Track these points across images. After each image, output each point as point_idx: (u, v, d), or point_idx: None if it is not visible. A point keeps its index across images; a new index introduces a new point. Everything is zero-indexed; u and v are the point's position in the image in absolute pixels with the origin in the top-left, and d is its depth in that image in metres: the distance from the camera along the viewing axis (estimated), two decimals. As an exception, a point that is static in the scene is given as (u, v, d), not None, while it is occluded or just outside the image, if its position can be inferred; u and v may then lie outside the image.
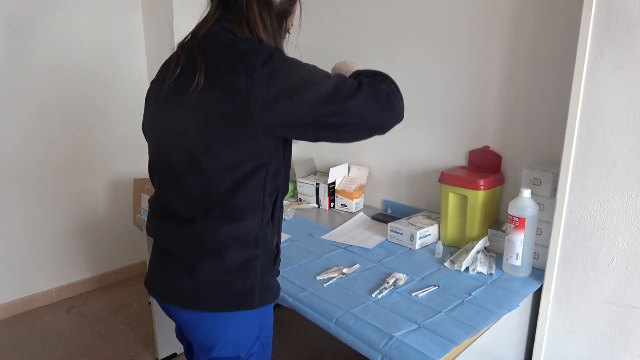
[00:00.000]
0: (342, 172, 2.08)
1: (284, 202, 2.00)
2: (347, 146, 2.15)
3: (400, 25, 1.84)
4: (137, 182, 2.32)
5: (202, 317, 1.01)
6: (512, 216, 1.30)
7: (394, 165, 1.98)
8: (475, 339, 1.08)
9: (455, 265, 1.39)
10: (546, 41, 1.44)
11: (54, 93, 2.54)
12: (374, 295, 1.24)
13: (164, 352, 2.15)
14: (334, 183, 2.04)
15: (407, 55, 1.83)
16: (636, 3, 1.03)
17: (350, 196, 1.98)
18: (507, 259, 1.35)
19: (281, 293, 1.22)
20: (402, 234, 1.59)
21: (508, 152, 1.59)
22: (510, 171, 1.58)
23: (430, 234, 1.60)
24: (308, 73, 0.92)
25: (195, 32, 1.01)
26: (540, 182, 1.33)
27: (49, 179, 2.62)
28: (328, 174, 2.03)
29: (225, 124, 0.90)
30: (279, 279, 1.10)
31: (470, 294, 1.24)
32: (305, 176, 2.19)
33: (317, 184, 2.06)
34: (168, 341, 2.13)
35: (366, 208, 2.03)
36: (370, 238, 1.66)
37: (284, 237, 1.67)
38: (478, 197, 1.48)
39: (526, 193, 1.28)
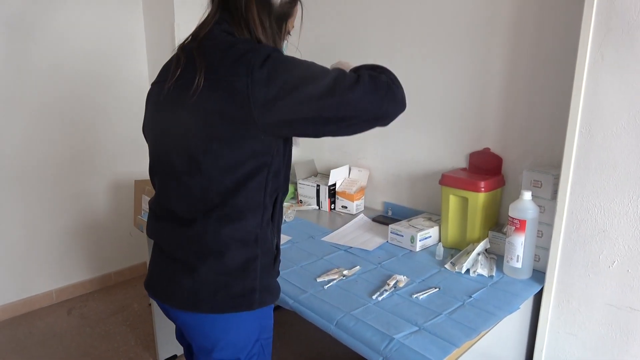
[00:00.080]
0: (343, 173, 2.08)
1: (285, 204, 2.00)
2: (348, 148, 2.15)
3: (400, 26, 1.84)
4: (138, 183, 2.32)
5: (202, 318, 1.01)
6: (513, 218, 1.30)
7: (394, 167, 1.98)
8: (476, 341, 1.08)
9: (456, 267, 1.39)
10: (546, 43, 1.44)
11: (54, 93, 2.54)
12: (374, 297, 1.24)
13: (164, 353, 2.15)
14: (334, 185, 2.04)
15: (407, 57, 1.83)
16: (637, 5, 1.03)
17: (350, 198, 1.98)
18: (507, 261, 1.35)
19: (282, 295, 1.23)
20: (402, 236, 1.59)
21: (509, 154, 1.59)
22: (511, 173, 1.58)
23: (430, 236, 1.60)
24: (307, 69, 0.93)
25: (195, 34, 1.01)
26: (541, 185, 1.33)
27: (49, 179, 2.62)
28: (329, 175, 2.03)
29: (225, 124, 0.90)
30: (279, 280, 1.10)
31: (470, 296, 1.24)
32: (306, 178, 2.19)
33: (318, 185, 2.06)
34: (168, 343, 2.13)
35: (367, 210, 2.03)
36: (370, 240, 1.66)
37: (285, 238, 1.67)
38: (479, 199, 1.48)
39: (527, 195, 1.28)
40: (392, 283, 1.30)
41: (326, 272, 1.39)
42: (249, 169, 0.95)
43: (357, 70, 1.01)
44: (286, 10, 1.04)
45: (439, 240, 1.62)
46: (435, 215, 1.74)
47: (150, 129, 1.08)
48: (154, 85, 1.07)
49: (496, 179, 1.54)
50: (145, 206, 2.08)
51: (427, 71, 1.78)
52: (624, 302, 1.16)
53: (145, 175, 2.17)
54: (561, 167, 1.20)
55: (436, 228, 1.62)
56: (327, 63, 1.13)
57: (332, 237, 1.70)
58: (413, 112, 1.83)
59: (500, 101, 1.58)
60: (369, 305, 1.20)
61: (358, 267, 1.43)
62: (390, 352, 1.00)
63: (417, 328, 1.09)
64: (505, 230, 1.43)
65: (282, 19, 1.04)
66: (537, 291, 1.30)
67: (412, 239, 1.56)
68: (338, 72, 0.93)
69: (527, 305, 1.29)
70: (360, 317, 1.14)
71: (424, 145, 1.85)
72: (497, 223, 1.60)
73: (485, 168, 1.62)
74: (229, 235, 0.97)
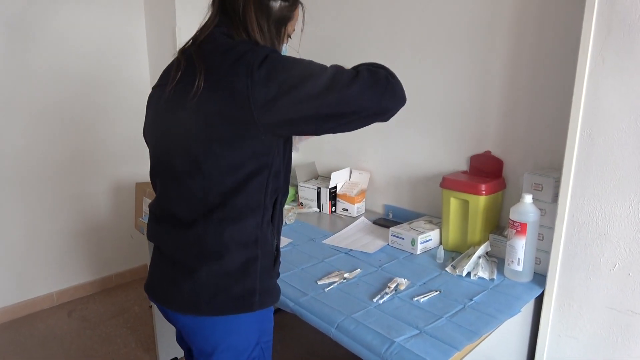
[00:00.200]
0: (344, 176, 2.08)
1: (286, 207, 2.00)
2: (349, 150, 2.16)
3: (401, 28, 1.84)
4: (139, 185, 2.32)
5: (202, 321, 1.01)
6: (514, 221, 1.30)
7: (395, 170, 1.98)
8: (477, 345, 1.08)
9: (457, 270, 1.39)
10: (547, 45, 1.44)
11: (55, 94, 2.54)
12: (375, 300, 1.24)
13: (164, 356, 2.14)
14: (335, 187, 2.04)
15: (407, 59, 1.83)
16: (638, 8, 1.03)
17: (351, 200, 1.98)
18: (508, 264, 1.34)
19: (282, 297, 1.23)
20: (403, 239, 1.59)
21: (509, 157, 1.59)
22: (512, 176, 1.58)
23: (431, 239, 1.60)
24: (305, 67, 0.93)
25: (195, 38, 1.02)
26: (542, 188, 1.33)
27: (50, 181, 2.62)
28: (329, 178, 2.03)
29: (225, 124, 0.91)
30: (279, 282, 1.10)
31: (471, 299, 1.24)
32: (307, 180, 2.19)
33: (319, 188, 2.06)
34: (169, 345, 2.12)
35: (367, 212, 2.03)
36: (371, 243, 1.66)
37: (285, 241, 1.66)
38: (479, 202, 1.48)
39: (528, 198, 1.28)
40: (392, 286, 1.30)
41: (327, 274, 1.39)
42: (249, 169, 0.95)
43: (356, 67, 1.01)
44: (285, 14, 1.04)
45: (440, 243, 1.62)
46: (436, 218, 1.74)
47: (151, 131, 1.08)
48: (154, 89, 1.07)
49: (497, 182, 1.54)
50: (146, 208, 2.08)
51: (428, 74, 1.78)
52: (625, 306, 1.16)
53: (146, 177, 2.17)
54: (562, 170, 1.20)
55: (437, 231, 1.62)
56: (327, 64, 1.13)
57: (333, 240, 1.70)
58: (414, 115, 1.83)
59: (501, 104, 1.59)
60: (370, 308, 1.20)
61: (359, 269, 1.43)
62: (391, 356, 1.00)
63: (418, 331, 1.09)
64: (506, 233, 1.42)
65: (281, 23, 1.04)
66: (538, 294, 1.29)
67: (413, 242, 1.56)
68: (336, 69, 0.93)
69: (528, 309, 1.28)
70: (361, 320, 1.13)
71: (424, 147, 1.85)
72: (498, 226, 1.60)
73: (486, 171, 1.62)
74: (229, 237, 0.97)
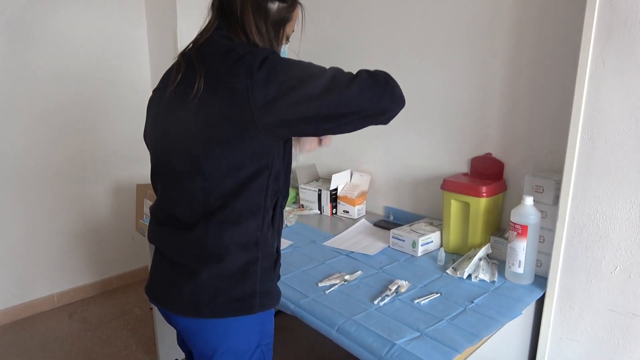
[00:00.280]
0: (344, 178, 2.08)
1: (286, 209, 2.00)
2: (350, 152, 2.16)
3: (401, 29, 1.84)
4: (140, 187, 2.32)
5: (203, 323, 1.01)
6: (515, 223, 1.30)
7: (396, 172, 1.98)
8: (478, 347, 1.08)
9: (458, 273, 1.39)
10: (548, 47, 1.44)
11: (56, 95, 2.55)
12: (376, 302, 1.23)
13: (165, 358, 2.14)
14: (336, 189, 2.04)
15: (408, 60, 1.84)
16: (639, 10, 1.03)
17: (352, 202, 1.98)
18: (509, 267, 1.34)
19: (283, 300, 1.23)
20: (404, 241, 1.59)
21: (510, 159, 1.59)
22: (513, 178, 1.58)
23: (432, 241, 1.60)
24: (304, 69, 0.93)
25: (195, 41, 1.02)
26: (543, 190, 1.33)
27: (50, 182, 2.62)
28: (330, 180, 2.03)
29: (226, 126, 0.91)
30: (279, 284, 1.10)
31: (472, 302, 1.24)
32: (308, 182, 2.19)
33: (319, 190, 2.06)
34: (169, 347, 2.12)
35: (368, 214, 2.03)
36: (372, 245, 1.66)
37: (286, 243, 1.66)
38: (480, 204, 1.48)
39: (528, 200, 1.28)
40: (393, 288, 1.30)
41: (327, 276, 1.39)
42: (249, 171, 0.95)
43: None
44: (284, 15, 1.04)
45: (441, 245, 1.62)
46: (437, 220, 1.73)
47: (151, 133, 1.08)
48: (155, 92, 1.07)
49: (498, 184, 1.54)
50: (147, 210, 2.08)
51: (428, 75, 1.78)
52: (627, 308, 1.15)
53: (147, 178, 2.17)
54: (563, 172, 1.20)
55: (438, 233, 1.62)
56: (327, 65, 1.13)
57: (334, 242, 1.70)
58: (414, 117, 1.83)
59: (502, 106, 1.59)
60: (371, 311, 1.20)
61: (359, 272, 1.43)
62: (392, 358, 1.00)
63: (418, 334, 1.09)
64: (507, 235, 1.42)
65: (279, 25, 1.04)
66: (539, 297, 1.29)
67: (414, 244, 1.56)
68: (335, 70, 0.94)
69: (529, 311, 1.28)
70: (362, 323, 1.13)
71: (425, 149, 1.85)
72: (499, 228, 1.60)
73: (487, 173, 1.62)
74: (229, 239, 0.97)
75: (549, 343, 1.31)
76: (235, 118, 0.90)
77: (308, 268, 1.47)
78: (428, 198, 1.87)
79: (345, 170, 2.09)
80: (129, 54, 2.79)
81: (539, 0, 1.44)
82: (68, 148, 2.65)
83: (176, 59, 1.03)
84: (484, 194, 1.47)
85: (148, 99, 1.10)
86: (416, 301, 1.24)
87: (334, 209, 2.05)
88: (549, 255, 1.28)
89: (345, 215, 2.01)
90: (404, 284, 1.32)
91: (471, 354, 1.06)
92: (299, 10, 1.10)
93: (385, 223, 1.88)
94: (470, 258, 1.41)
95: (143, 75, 2.87)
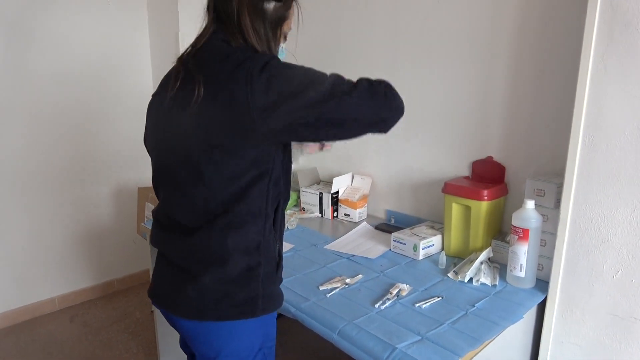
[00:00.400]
0: (346, 181, 2.08)
1: (287, 212, 2.00)
2: (351, 156, 2.16)
3: (402, 33, 1.85)
4: (142, 190, 2.33)
5: (206, 326, 1.01)
6: (516, 227, 1.30)
7: (397, 175, 1.98)
8: (479, 351, 1.07)
9: (459, 276, 1.39)
10: (549, 52, 1.44)
11: (57, 99, 2.55)
12: (377, 306, 1.23)
13: (166, 361, 2.14)
14: (337, 192, 2.05)
15: (409, 64, 1.84)
16: None
17: (353, 206, 1.98)
18: (510, 270, 1.34)
19: (284, 303, 1.22)
20: (405, 244, 1.59)
21: (512, 162, 1.59)
22: (514, 182, 1.58)
23: (433, 245, 1.60)
24: (305, 75, 0.93)
25: (193, 45, 1.02)
26: (544, 193, 1.33)
27: (51, 185, 2.62)
28: (331, 183, 2.03)
29: (226, 132, 0.91)
30: (281, 287, 1.10)
31: (473, 306, 1.23)
32: (309, 186, 2.19)
33: (321, 193, 2.06)
34: (171, 351, 2.12)
35: (369, 218, 2.03)
36: (373, 248, 1.66)
37: (287, 246, 1.66)
38: (482, 207, 1.48)
39: (530, 204, 1.28)
40: (394, 292, 1.30)
41: (329, 280, 1.39)
42: (250, 176, 0.95)
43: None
44: (281, 13, 1.03)
45: (442, 249, 1.62)
46: (438, 224, 1.73)
47: (152, 139, 1.08)
48: (154, 96, 1.07)
49: (499, 188, 1.54)
50: (149, 213, 2.08)
51: (430, 79, 1.78)
52: (628, 312, 1.15)
53: (148, 182, 2.18)
54: (564, 176, 1.20)
55: (439, 236, 1.62)
56: (328, 70, 1.13)
57: (335, 245, 1.70)
58: (416, 120, 1.83)
59: (503, 109, 1.59)
60: (372, 314, 1.19)
61: (360, 275, 1.43)
62: (393, 362, 1.00)
63: (419, 337, 1.08)
64: (508, 239, 1.42)
65: (277, 24, 1.03)
66: (540, 300, 1.29)
67: (415, 247, 1.56)
68: (336, 77, 0.94)
69: (530, 315, 1.28)
70: (363, 326, 1.13)
71: (426, 153, 1.86)
72: (500, 232, 1.60)
73: (488, 176, 1.62)
74: (232, 243, 0.98)
75: (551, 347, 1.31)
76: (235, 124, 0.90)
77: (309, 271, 1.47)
78: (429, 201, 1.87)
79: (346, 174, 2.09)
80: (130, 58, 2.79)
81: (540, 5, 1.44)
82: (69, 151, 2.65)
83: (175, 64, 1.03)
84: (485, 198, 1.47)
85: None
86: (417, 305, 1.24)
87: (335, 212, 2.05)
88: (550, 259, 1.28)
89: (347, 218, 2.01)
90: (405, 288, 1.32)
91: (472, 358, 1.05)
92: (295, 7, 1.08)
93: (387, 226, 1.88)
94: (472, 262, 1.41)
95: (145, 79, 2.87)
